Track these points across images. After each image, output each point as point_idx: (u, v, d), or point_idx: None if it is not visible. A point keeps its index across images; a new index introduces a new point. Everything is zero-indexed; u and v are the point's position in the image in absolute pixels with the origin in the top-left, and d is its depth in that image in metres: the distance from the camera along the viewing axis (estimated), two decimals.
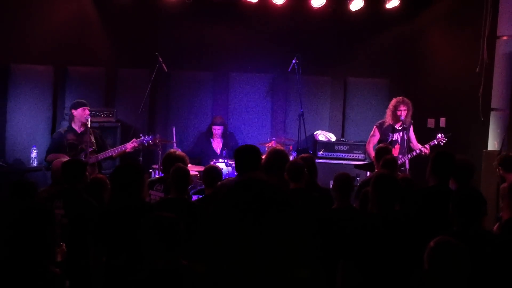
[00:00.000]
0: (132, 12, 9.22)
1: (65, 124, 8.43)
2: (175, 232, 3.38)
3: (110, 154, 7.54)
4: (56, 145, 7.58)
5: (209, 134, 9.14)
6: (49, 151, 7.60)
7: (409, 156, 7.68)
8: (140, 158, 8.01)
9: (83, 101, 7.78)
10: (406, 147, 7.74)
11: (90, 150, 7.34)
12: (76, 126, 7.63)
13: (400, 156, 7.77)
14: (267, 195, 1.61)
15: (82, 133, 7.56)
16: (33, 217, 3.40)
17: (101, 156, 7.47)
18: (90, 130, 7.53)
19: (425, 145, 7.77)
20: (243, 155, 4.11)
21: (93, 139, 7.56)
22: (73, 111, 7.68)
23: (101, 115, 8.64)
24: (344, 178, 5.06)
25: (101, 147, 7.68)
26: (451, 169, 5.03)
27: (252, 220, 1.61)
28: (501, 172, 5.98)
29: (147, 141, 7.60)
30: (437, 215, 4.59)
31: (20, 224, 3.37)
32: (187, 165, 5.85)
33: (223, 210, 1.63)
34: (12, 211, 3.76)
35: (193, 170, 7.72)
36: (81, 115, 7.60)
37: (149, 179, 6.12)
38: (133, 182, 4.32)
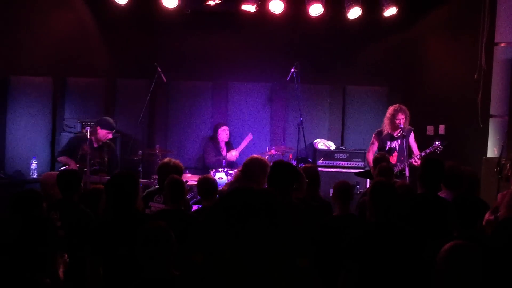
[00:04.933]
0: (131, 23, 9.25)
1: (65, 136, 8.46)
2: (166, 241, 3.40)
3: None
4: (71, 149, 7.75)
5: (216, 143, 9.13)
6: (63, 152, 7.81)
7: (407, 163, 7.66)
8: (140, 168, 8.02)
9: (113, 124, 7.94)
10: (406, 154, 7.73)
11: (98, 168, 7.41)
12: (94, 140, 7.75)
13: (398, 163, 7.76)
14: (255, 205, 1.61)
15: (99, 147, 7.62)
16: (33, 228, 3.49)
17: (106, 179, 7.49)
18: (108, 146, 7.78)
19: (421, 152, 7.76)
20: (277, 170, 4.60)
21: (106, 158, 7.67)
22: (98, 128, 7.82)
23: None
24: (343, 186, 5.06)
25: (113, 165, 7.79)
26: (439, 177, 5.03)
27: (238, 230, 1.61)
28: (510, 172, 5.94)
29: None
30: (427, 223, 4.59)
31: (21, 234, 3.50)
32: (182, 174, 5.84)
33: (211, 219, 1.64)
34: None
35: (194, 180, 7.69)
36: (103, 136, 7.80)
37: (147, 190, 6.11)
38: (128, 191, 4.31)
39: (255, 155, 6.01)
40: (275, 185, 4.75)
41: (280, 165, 4.97)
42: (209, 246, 1.66)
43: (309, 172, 5.67)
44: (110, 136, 7.89)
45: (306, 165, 6.35)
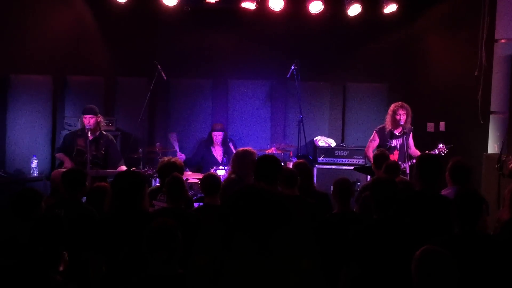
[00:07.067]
0: (131, 21, 9.24)
1: (65, 134, 8.45)
2: (174, 239, 3.42)
3: (111, 173, 7.41)
4: (66, 146, 7.71)
5: (210, 142, 9.11)
6: (60, 149, 7.80)
7: (409, 163, 7.64)
8: (141, 166, 8.02)
9: (87, 107, 7.73)
10: (406, 153, 7.72)
11: (93, 162, 7.35)
12: (88, 132, 7.50)
13: (400, 162, 7.72)
14: (265, 205, 1.61)
15: (94, 140, 7.50)
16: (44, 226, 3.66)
17: (102, 172, 7.40)
18: (104, 139, 7.64)
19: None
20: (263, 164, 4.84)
21: (103, 150, 7.58)
22: (83, 117, 7.67)
23: None
24: (343, 183, 5.06)
25: (111, 159, 7.69)
26: (436, 173, 5.02)
27: (250, 231, 1.61)
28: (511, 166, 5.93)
29: (148, 173, 7.52)
30: (426, 220, 4.59)
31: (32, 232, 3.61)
32: (182, 171, 5.86)
33: (221, 219, 1.64)
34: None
35: (194, 177, 7.70)
36: (88, 123, 7.56)
37: (150, 188, 6.12)
38: (133, 190, 4.32)
39: (241, 148, 6.10)
40: (263, 179, 4.91)
41: (266, 159, 5.18)
42: (217, 248, 1.66)
43: (301, 168, 5.69)
44: (86, 121, 7.54)
45: (297, 161, 6.36)
